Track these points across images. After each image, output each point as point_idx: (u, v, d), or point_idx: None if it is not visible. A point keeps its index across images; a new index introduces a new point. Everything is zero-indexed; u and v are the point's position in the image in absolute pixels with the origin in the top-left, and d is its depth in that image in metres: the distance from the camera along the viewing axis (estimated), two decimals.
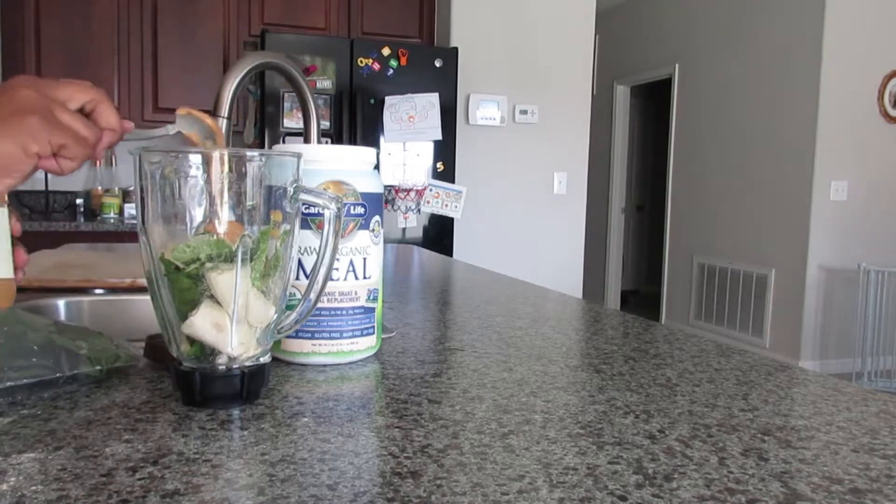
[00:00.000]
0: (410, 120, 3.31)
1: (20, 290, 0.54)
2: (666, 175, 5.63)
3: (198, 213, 0.54)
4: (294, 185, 0.57)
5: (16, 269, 0.53)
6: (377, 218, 0.72)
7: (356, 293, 0.70)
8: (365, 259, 0.71)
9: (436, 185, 3.39)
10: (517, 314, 1.02)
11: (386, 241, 3.10)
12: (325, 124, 3.22)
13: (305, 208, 0.66)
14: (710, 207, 5.12)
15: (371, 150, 0.72)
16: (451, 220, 3.47)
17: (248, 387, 0.56)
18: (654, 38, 5.76)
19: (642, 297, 7.01)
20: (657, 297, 5.85)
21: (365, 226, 0.70)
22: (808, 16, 4.28)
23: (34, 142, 0.49)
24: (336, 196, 0.60)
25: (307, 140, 1.05)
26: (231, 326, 0.55)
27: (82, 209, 3.60)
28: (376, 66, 3.26)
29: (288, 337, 0.68)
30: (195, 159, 0.54)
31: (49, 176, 3.46)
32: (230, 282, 0.54)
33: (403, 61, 3.29)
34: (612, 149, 6.38)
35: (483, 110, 3.74)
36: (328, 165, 0.69)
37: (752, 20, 4.72)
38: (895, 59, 4.33)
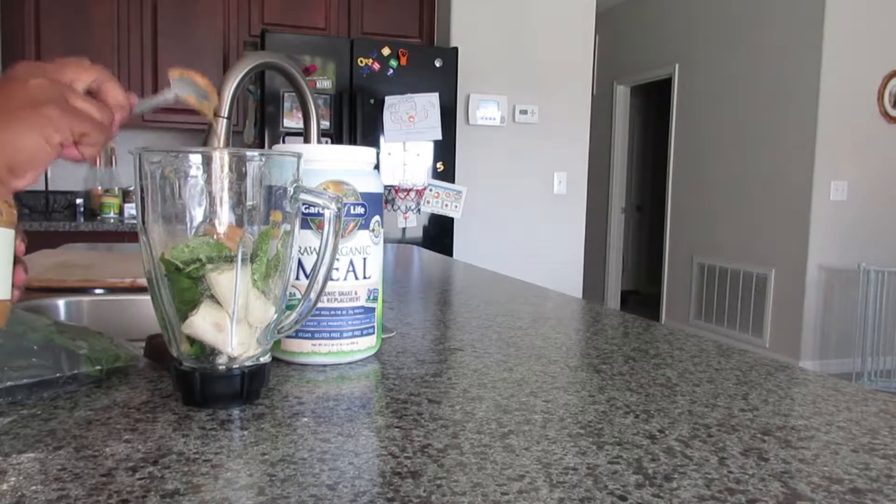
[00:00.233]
0: (410, 120, 3.31)
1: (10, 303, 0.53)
2: (666, 175, 5.63)
3: (198, 213, 0.54)
4: (294, 185, 0.57)
5: (13, 287, 0.53)
6: (377, 218, 0.72)
7: (356, 293, 0.70)
8: (365, 259, 0.71)
9: (436, 185, 3.39)
10: (517, 314, 1.02)
11: (386, 241, 3.10)
12: (325, 124, 3.22)
13: (305, 208, 0.66)
14: (710, 207, 5.12)
15: (371, 150, 0.72)
16: (451, 220, 3.47)
17: (248, 387, 0.56)
18: (654, 38, 5.76)
19: (642, 297, 7.01)
20: (657, 297, 5.85)
21: (365, 226, 0.70)
22: (808, 16, 4.28)
23: (57, 132, 0.49)
24: (336, 196, 0.59)
25: (307, 140, 1.05)
26: (231, 326, 0.55)
27: (82, 209, 3.60)
28: (376, 66, 3.26)
29: (288, 337, 0.68)
30: (195, 159, 0.54)
31: (49, 176, 3.47)
32: (230, 282, 0.54)
33: (403, 61, 3.29)
34: (612, 149, 6.37)
35: (483, 110, 3.74)
36: (328, 165, 0.69)
37: (752, 20, 4.71)
38: (895, 59, 4.33)
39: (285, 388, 0.62)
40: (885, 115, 4.34)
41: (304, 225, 0.67)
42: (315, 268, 0.60)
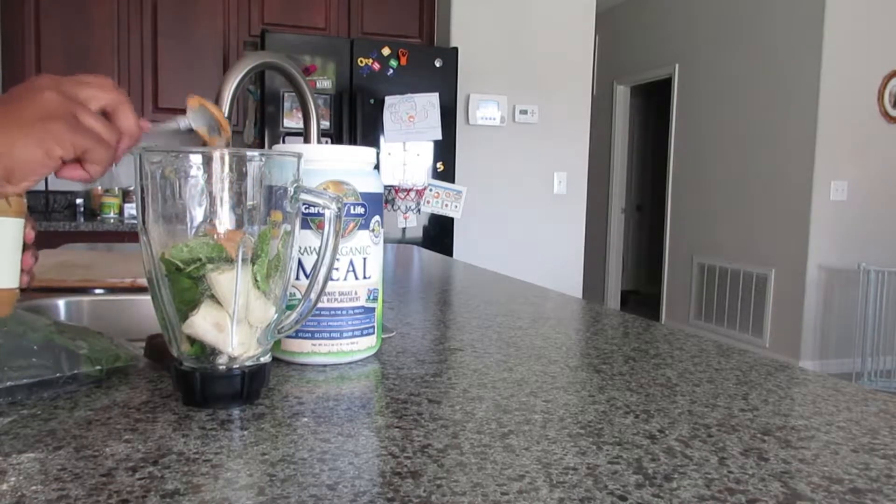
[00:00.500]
0: (410, 120, 3.31)
1: (20, 290, 0.54)
2: (666, 175, 5.63)
3: (198, 213, 0.54)
4: (294, 185, 0.57)
5: (22, 271, 0.54)
6: (377, 218, 0.72)
7: (356, 293, 0.70)
8: (365, 259, 0.71)
9: (436, 185, 3.39)
10: (517, 314, 1.02)
11: (386, 241, 3.10)
12: (325, 124, 3.22)
13: (306, 208, 0.66)
14: (710, 207, 5.12)
15: (371, 150, 0.72)
16: (451, 220, 3.47)
17: (249, 387, 0.56)
18: (654, 38, 5.76)
19: (642, 297, 7.01)
20: (657, 297, 5.85)
21: (365, 226, 0.70)
22: (808, 16, 4.28)
23: (58, 146, 0.49)
24: (336, 196, 0.60)
25: (307, 140, 1.05)
26: (231, 326, 0.55)
27: (82, 209, 3.60)
28: (376, 66, 3.26)
29: (288, 337, 0.68)
30: (196, 159, 0.54)
31: (49, 176, 3.46)
32: (230, 282, 0.54)
33: (403, 61, 3.29)
34: (612, 149, 6.37)
35: (483, 110, 3.74)
36: (328, 165, 0.69)
37: (752, 20, 4.71)
38: (895, 59, 4.33)
39: (285, 388, 0.62)
40: (885, 115, 4.34)
41: (305, 225, 0.67)
42: (315, 268, 0.60)
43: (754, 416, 0.58)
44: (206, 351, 0.55)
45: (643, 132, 7.16)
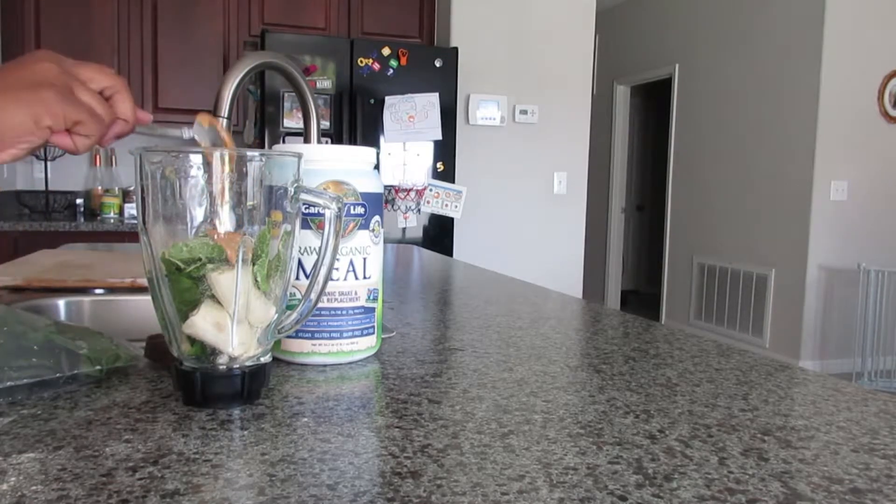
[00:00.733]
0: (410, 120, 3.31)
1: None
2: (666, 175, 5.63)
3: (198, 213, 0.54)
4: (295, 185, 0.57)
5: None
6: (377, 218, 0.72)
7: (356, 293, 0.70)
8: (365, 259, 0.71)
9: (436, 185, 3.39)
10: (517, 314, 1.02)
11: (386, 241, 3.10)
12: (325, 124, 3.22)
13: (306, 208, 0.66)
14: (710, 207, 5.12)
15: (371, 150, 0.72)
16: (451, 220, 3.47)
17: (249, 387, 0.56)
18: (654, 38, 5.76)
19: (642, 297, 7.01)
20: (657, 297, 5.85)
21: (365, 226, 0.70)
22: (808, 16, 4.28)
23: (48, 114, 0.48)
24: (336, 196, 0.60)
25: (307, 140, 1.05)
26: (232, 326, 0.55)
27: (82, 209, 3.60)
28: (376, 66, 3.26)
29: (288, 337, 0.68)
30: (196, 159, 0.54)
31: (49, 176, 3.47)
32: (231, 282, 0.54)
33: (403, 61, 3.29)
34: (612, 149, 6.37)
35: (483, 110, 3.74)
36: (328, 165, 0.69)
37: (752, 20, 4.72)
38: (895, 59, 4.33)
39: (285, 388, 0.62)
40: (885, 115, 4.34)
41: (305, 225, 0.67)
42: (315, 268, 0.60)
43: (754, 416, 0.58)
44: (206, 351, 0.55)
45: (643, 132, 7.16)
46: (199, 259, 0.53)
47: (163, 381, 0.62)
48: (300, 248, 0.68)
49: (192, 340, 0.55)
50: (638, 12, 5.97)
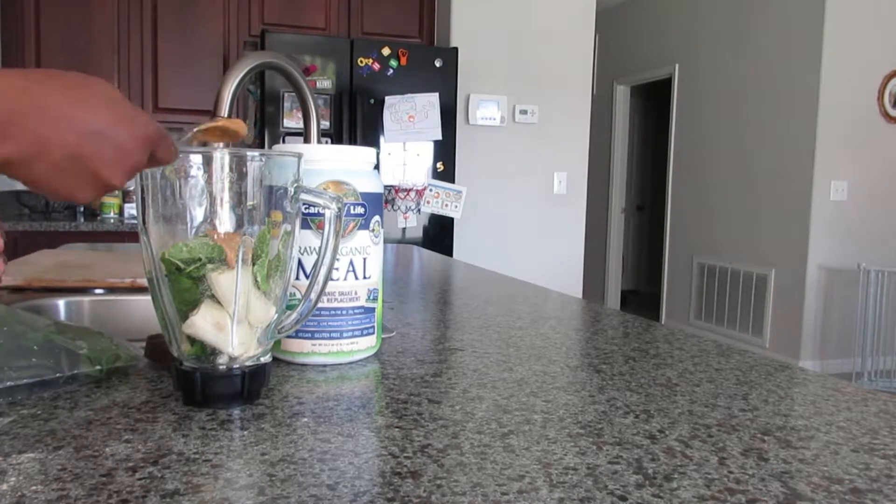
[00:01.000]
0: (410, 120, 3.31)
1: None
2: (666, 175, 5.63)
3: (198, 213, 0.54)
4: (294, 185, 0.57)
5: None
6: (377, 218, 0.72)
7: (356, 293, 0.70)
8: (365, 259, 0.71)
9: (436, 185, 3.39)
10: (517, 314, 1.01)
11: (386, 241, 3.10)
12: (325, 124, 3.22)
13: (306, 208, 0.66)
14: (710, 207, 5.12)
15: (371, 150, 0.72)
16: (451, 220, 3.47)
17: (249, 387, 0.56)
18: (654, 38, 5.76)
19: (642, 297, 7.01)
20: (657, 297, 5.85)
21: (365, 226, 0.70)
22: (808, 16, 4.28)
23: (123, 173, 0.44)
24: (336, 196, 0.60)
25: (307, 140, 1.05)
26: (232, 326, 0.55)
27: (82, 209, 3.59)
28: (376, 66, 3.26)
29: (288, 337, 0.68)
30: (196, 159, 0.54)
31: None
32: (231, 282, 0.54)
33: (403, 61, 3.29)
34: (612, 149, 6.37)
35: (483, 110, 3.74)
36: (328, 165, 0.69)
37: (752, 20, 4.71)
38: (895, 59, 4.33)
39: (285, 388, 0.62)
40: (885, 115, 4.34)
41: (305, 225, 0.67)
42: (315, 268, 0.60)
43: (754, 416, 0.58)
44: (206, 351, 0.55)
45: (643, 132, 7.16)
46: (199, 259, 0.53)
47: (163, 381, 0.62)
48: (300, 248, 0.68)
49: (192, 340, 0.55)
50: (638, 12, 5.97)
